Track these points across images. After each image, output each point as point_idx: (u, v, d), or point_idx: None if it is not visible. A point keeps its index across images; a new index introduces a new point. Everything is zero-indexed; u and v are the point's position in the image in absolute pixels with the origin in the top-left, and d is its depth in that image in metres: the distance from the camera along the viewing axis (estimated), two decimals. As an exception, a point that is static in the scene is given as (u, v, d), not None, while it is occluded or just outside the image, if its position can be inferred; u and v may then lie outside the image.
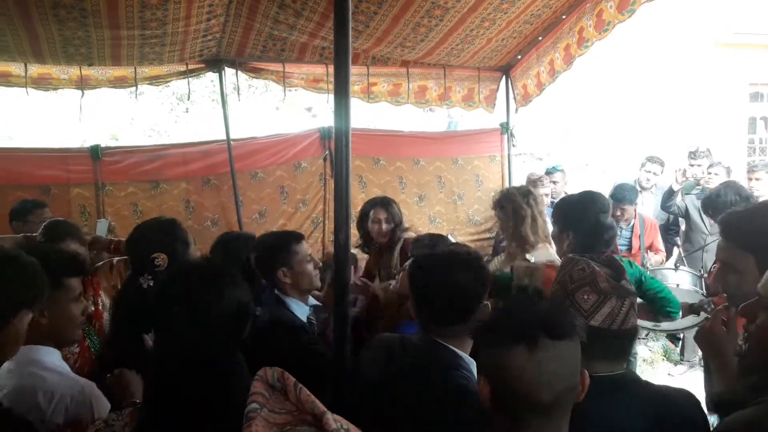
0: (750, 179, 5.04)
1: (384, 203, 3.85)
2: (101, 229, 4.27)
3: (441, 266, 1.74)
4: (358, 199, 5.21)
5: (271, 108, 11.27)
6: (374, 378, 1.78)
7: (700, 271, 3.87)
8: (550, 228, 3.10)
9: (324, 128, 5.10)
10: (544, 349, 1.14)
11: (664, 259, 4.95)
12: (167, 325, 1.40)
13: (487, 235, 5.54)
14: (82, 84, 4.29)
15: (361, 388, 1.83)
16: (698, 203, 5.13)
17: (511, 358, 1.16)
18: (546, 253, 3.00)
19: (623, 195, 4.69)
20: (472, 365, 1.66)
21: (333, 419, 1.02)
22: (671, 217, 5.46)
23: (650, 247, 4.90)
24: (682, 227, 5.52)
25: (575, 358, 1.19)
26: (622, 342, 1.49)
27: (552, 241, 3.01)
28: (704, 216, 4.92)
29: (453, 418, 1.35)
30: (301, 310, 2.52)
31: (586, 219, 2.56)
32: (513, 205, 3.17)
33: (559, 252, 2.69)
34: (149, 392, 1.36)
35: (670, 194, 5.16)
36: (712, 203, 4.06)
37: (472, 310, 1.70)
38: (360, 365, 1.91)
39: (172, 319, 1.38)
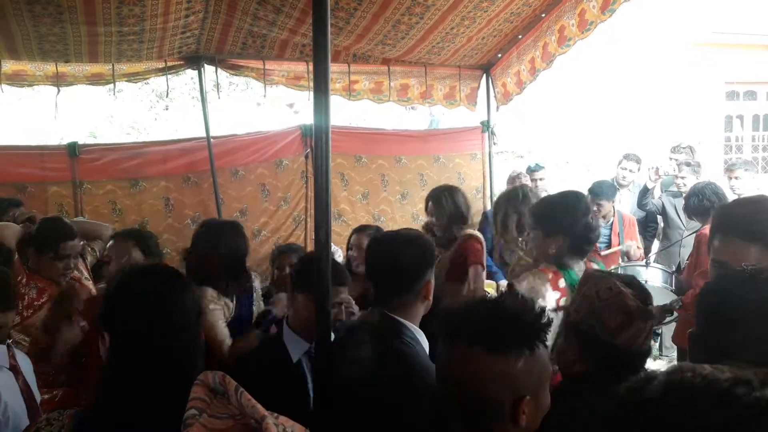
0: (730, 178, 5.05)
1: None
2: (79, 227, 4.22)
3: (389, 243, 1.90)
4: (340, 197, 5.23)
5: (253, 104, 11.19)
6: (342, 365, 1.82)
7: (671, 267, 3.92)
8: None
9: (305, 126, 5.08)
10: (455, 350, 1.18)
11: (643, 255, 4.99)
12: (122, 331, 1.37)
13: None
14: (58, 81, 4.23)
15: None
16: (675, 201, 5.20)
17: (440, 353, 1.24)
18: None
19: (601, 190, 4.73)
20: (418, 334, 1.79)
21: (274, 423, 1.01)
22: (649, 214, 5.52)
23: None
24: (660, 224, 5.58)
25: (494, 372, 1.14)
26: (639, 360, 1.56)
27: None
28: (680, 213, 4.98)
29: (391, 383, 1.41)
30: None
31: (576, 222, 2.43)
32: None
33: (543, 257, 2.51)
34: (97, 397, 1.36)
35: (645, 192, 5.23)
36: (690, 205, 4.09)
37: (417, 282, 1.82)
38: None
39: (128, 324, 1.35)
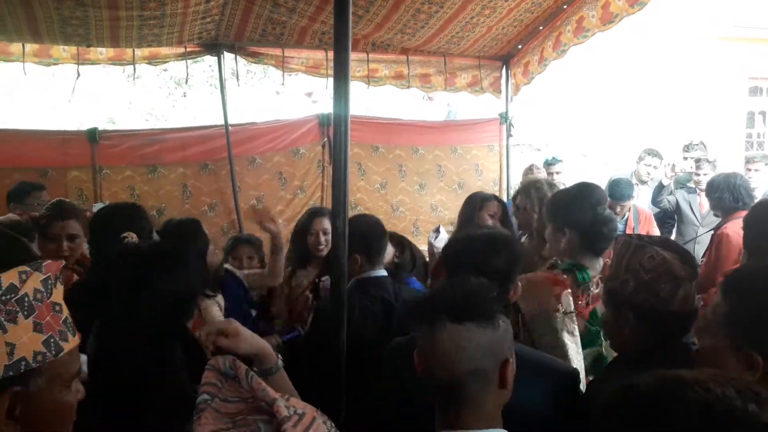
0: (748, 170, 5.04)
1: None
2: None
3: (478, 248, 1.79)
4: (357, 187, 5.22)
5: (271, 93, 11.20)
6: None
7: None
8: None
9: (323, 115, 5.07)
10: (440, 330, 1.20)
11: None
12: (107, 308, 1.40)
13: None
14: (79, 59, 4.24)
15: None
16: (689, 197, 5.13)
17: (419, 336, 1.26)
18: None
19: (621, 192, 4.59)
20: None
21: (285, 406, 1.02)
22: (665, 210, 5.44)
23: None
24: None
25: (482, 344, 1.20)
26: (690, 321, 1.61)
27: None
28: (695, 209, 4.92)
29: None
30: None
31: (584, 214, 2.36)
32: (539, 194, 3.12)
33: (555, 252, 2.47)
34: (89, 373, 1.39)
35: (660, 189, 5.15)
36: (709, 196, 4.07)
37: (505, 291, 1.75)
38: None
39: (110, 301, 1.38)
